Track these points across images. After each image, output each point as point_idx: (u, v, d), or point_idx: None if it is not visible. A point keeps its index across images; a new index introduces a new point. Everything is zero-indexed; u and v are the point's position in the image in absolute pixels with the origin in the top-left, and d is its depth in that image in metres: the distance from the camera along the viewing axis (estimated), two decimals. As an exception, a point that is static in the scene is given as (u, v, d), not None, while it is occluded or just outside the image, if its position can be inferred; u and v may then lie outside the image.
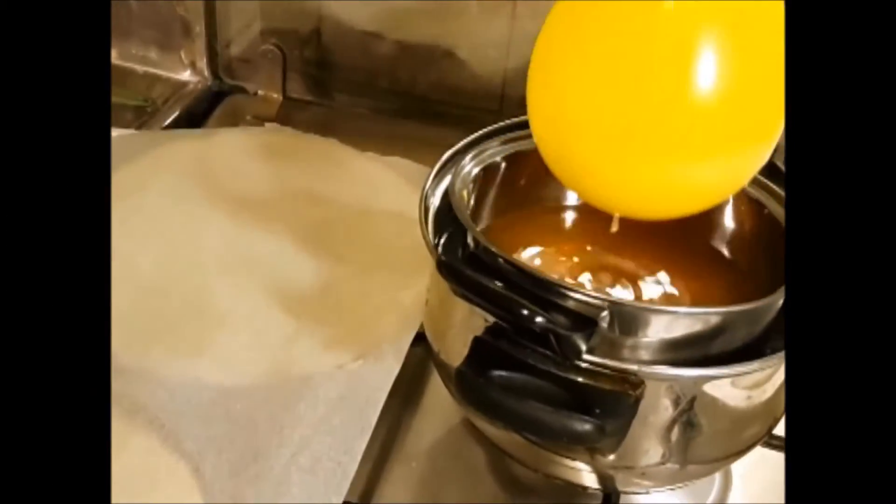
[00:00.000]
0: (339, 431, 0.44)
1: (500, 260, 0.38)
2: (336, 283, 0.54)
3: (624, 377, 0.36)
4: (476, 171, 0.46)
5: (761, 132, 0.37)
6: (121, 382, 0.45)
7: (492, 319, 0.37)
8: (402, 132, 0.72)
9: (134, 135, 0.68)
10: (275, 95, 0.76)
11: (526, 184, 0.49)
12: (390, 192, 0.63)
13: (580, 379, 0.36)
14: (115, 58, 0.78)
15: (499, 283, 0.36)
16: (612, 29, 0.36)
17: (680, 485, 0.45)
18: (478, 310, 0.37)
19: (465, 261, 0.39)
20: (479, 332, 0.37)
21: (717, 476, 0.48)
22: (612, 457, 0.39)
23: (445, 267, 0.38)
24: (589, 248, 0.47)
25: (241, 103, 0.77)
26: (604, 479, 0.42)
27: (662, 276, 0.45)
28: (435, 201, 0.44)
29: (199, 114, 0.76)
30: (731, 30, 0.35)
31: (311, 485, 0.41)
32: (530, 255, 0.46)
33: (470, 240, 0.40)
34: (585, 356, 0.35)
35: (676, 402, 0.37)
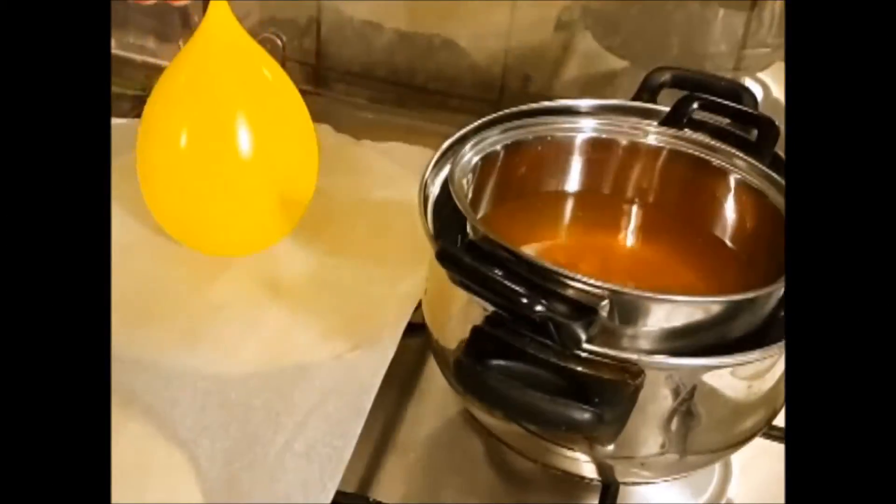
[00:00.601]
0: (334, 417, 0.44)
1: (500, 249, 0.38)
2: (331, 271, 0.54)
3: (623, 366, 0.36)
4: (475, 160, 0.46)
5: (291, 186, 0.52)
6: (115, 371, 0.45)
7: (491, 308, 0.37)
8: (401, 122, 0.72)
9: (130, 123, 0.67)
10: (273, 85, 0.76)
11: (525, 173, 0.48)
12: (385, 180, 0.62)
13: (579, 368, 0.36)
14: (113, 47, 0.78)
15: (498, 272, 0.36)
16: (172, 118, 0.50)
17: (679, 475, 0.44)
18: (477, 299, 0.37)
19: (464, 249, 0.39)
20: (478, 321, 0.37)
21: (717, 467, 0.47)
22: (610, 447, 0.39)
23: (445, 256, 0.37)
24: (588, 236, 0.47)
25: (239, 93, 0.77)
26: (603, 469, 0.42)
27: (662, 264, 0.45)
28: (434, 190, 0.44)
29: (196, 103, 0.75)
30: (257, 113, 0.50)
31: (305, 470, 0.41)
32: (529, 244, 0.46)
33: (469, 228, 0.40)
34: (585, 345, 0.35)
35: (676, 392, 0.37)
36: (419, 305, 0.50)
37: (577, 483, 0.45)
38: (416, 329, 0.49)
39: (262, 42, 0.74)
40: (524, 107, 0.49)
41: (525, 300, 0.35)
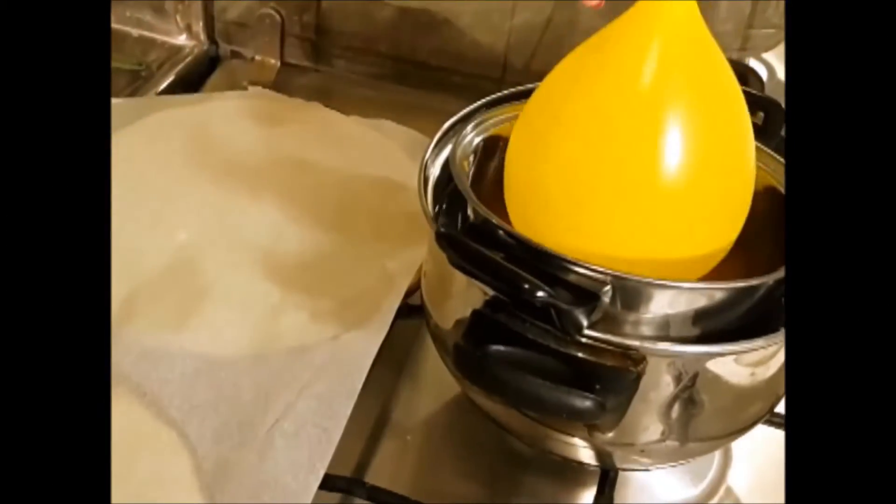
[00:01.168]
0: (325, 397, 0.43)
1: (501, 232, 0.37)
2: (322, 250, 0.53)
3: (625, 353, 0.35)
4: (477, 140, 0.45)
5: (725, 217, 0.39)
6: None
7: (491, 292, 0.36)
8: (402, 99, 0.71)
9: (122, 103, 0.67)
10: (272, 61, 0.75)
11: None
12: (377, 156, 0.62)
13: (581, 354, 0.35)
14: (109, 21, 0.77)
15: (499, 256, 0.35)
16: (587, 113, 0.37)
17: (679, 462, 0.44)
18: (477, 283, 0.36)
19: (464, 232, 0.38)
20: (477, 305, 0.36)
21: (717, 453, 0.47)
22: (611, 433, 0.39)
23: (444, 238, 0.37)
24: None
25: (237, 68, 0.76)
26: (602, 455, 0.42)
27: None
28: (434, 171, 0.44)
29: (194, 79, 0.74)
30: (698, 116, 0.37)
31: (295, 450, 0.41)
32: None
33: (470, 211, 0.39)
34: (586, 331, 0.35)
35: (678, 379, 0.37)
36: (415, 287, 0.49)
37: (575, 468, 0.44)
38: (412, 311, 0.49)
39: (262, 17, 0.73)
40: (528, 86, 0.48)
41: (526, 285, 0.34)
